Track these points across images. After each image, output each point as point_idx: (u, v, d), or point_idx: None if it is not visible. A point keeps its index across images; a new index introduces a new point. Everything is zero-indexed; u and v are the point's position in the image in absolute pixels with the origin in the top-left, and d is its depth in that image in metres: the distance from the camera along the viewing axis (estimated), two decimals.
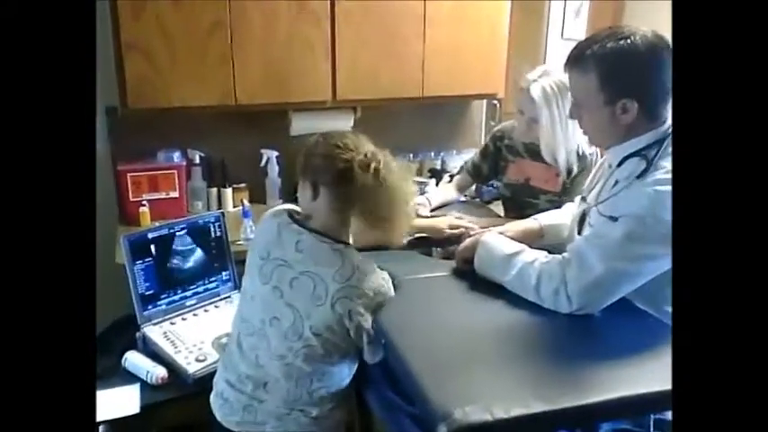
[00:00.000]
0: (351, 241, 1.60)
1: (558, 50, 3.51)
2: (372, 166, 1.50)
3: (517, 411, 1.08)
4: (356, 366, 1.64)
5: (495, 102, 3.23)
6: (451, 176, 2.62)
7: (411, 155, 3.26)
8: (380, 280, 1.53)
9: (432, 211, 2.16)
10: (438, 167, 3.27)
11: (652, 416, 1.31)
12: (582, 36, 3.13)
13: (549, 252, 1.53)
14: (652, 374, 1.18)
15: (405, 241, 1.86)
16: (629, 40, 1.36)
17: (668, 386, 1.11)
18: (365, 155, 1.51)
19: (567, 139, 1.95)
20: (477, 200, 2.53)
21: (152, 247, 2.06)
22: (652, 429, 1.34)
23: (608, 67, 1.37)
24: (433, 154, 3.31)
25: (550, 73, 1.93)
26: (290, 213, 1.63)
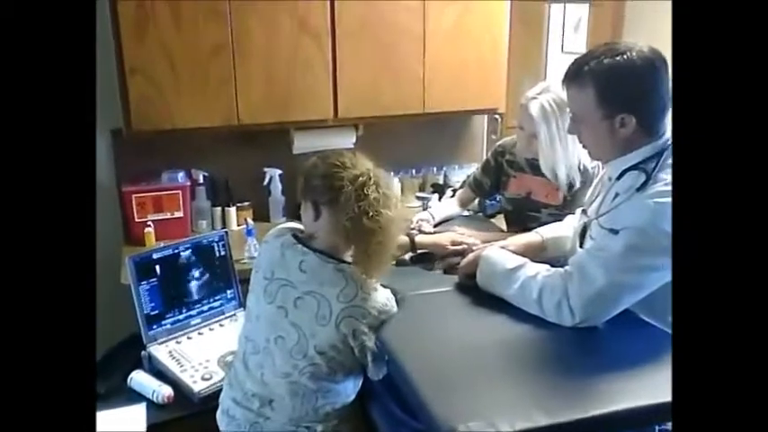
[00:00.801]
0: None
1: (558, 64, 3.53)
2: (370, 183, 1.51)
3: (521, 425, 1.09)
4: (361, 382, 1.64)
5: (497, 116, 3.25)
6: (454, 191, 2.63)
7: (413, 170, 3.29)
8: (384, 299, 1.54)
9: (435, 226, 2.17)
10: (441, 182, 3.28)
11: (657, 427, 1.31)
12: (582, 49, 3.16)
13: (552, 265, 1.54)
14: (656, 386, 1.18)
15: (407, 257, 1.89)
16: (625, 56, 1.37)
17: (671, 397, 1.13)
18: (362, 172, 1.52)
19: (567, 155, 1.96)
20: (480, 214, 2.53)
21: (157, 267, 2.08)
22: None
23: (605, 82, 1.39)
24: (435, 169, 3.32)
25: (550, 90, 1.96)
26: (294, 233, 1.64)
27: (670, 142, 1.43)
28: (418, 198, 2.99)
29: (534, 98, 1.96)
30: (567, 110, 1.83)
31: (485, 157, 2.38)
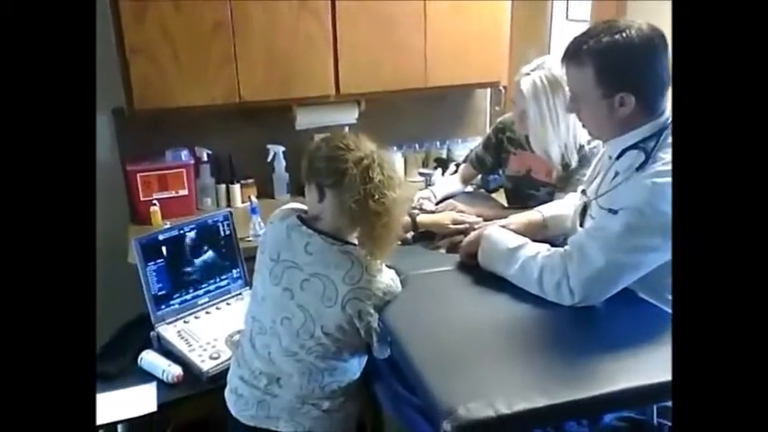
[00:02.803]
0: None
1: (563, 32, 3.48)
2: (374, 165, 1.51)
3: (520, 406, 1.11)
4: (365, 360, 1.67)
5: (501, 88, 3.23)
6: (457, 165, 2.63)
7: (416, 145, 3.28)
8: (389, 279, 1.56)
9: (437, 203, 2.18)
10: (444, 156, 3.28)
11: (655, 406, 1.33)
12: (587, 17, 3.12)
13: (552, 244, 1.56)
14: (656, 365, 1.20)
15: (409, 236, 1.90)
16: (624, 34, 1.36)
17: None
18: (366, 154, 1.53)
19: (559, 133, 1.93)
20: (483, 190, 2.54)
21: (163, 248, 2.10)
22: (655, 417, 1.37)
23: (604, 61, 1.38)
24: (438, 143, 3.32)
25: (544, 66, 1.93)
26: (299, 215, 1.65)
27: (670, 121, 1.43)
28: (421, 174, 2.99)
29: (527, 74, 1.94)
30: (561, 87, 1.84)
31: (487, 131, 2.38)
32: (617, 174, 1.47)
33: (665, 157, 1.39)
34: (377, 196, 1.49)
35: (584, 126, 1.55)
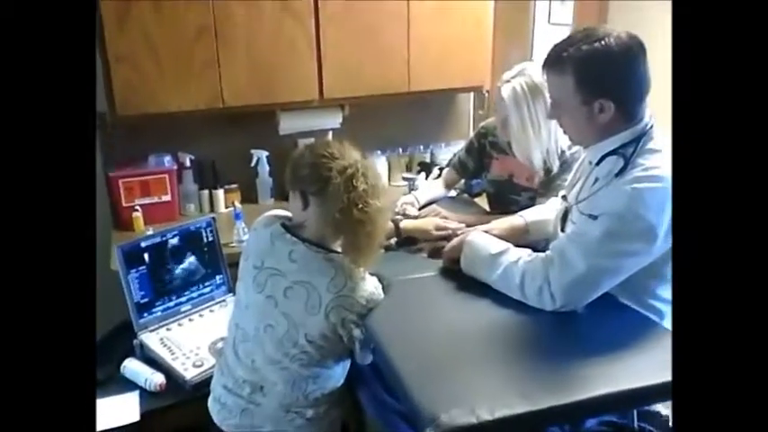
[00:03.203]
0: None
1: (545, 35, 3.51)
2: (358, 174, 1.51)
3: (502, 413, 1.12)
4: (348, 366, 1.67)
5: (486, 92, 3.24)
6: (441, 169, 2.64)
7: (400, 149, 3.29)
8: (372, 287, 1.56)
9: (420, 208, 2.18)
10: (428, 160, 3.28)
11: (635, 411, 1.35)
12: (569, 20, 3.14)
13: (535, 249, 1.57)
14: (637, 369, 1.22)
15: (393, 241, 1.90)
16: (603, 42, 1.38)
17: (653, 380, 1.16)
18: (350, 163, 1.53)
19: (540, 139, 1.95)
20: (466, 195, 2.55)
21: (145, 255, 2.09)
22: (636, 421, 1.38)
23: (584, 68, 1.40)
24: (422, 147, 3.33)
25: (524, 73, 1.94)
26: (283, 222, 1.65)
27: (649, 127, 1.45)
28: (405, 179, 3.00)
29: (507, 81, 1.95)
30: (542, 93, 1.86)
31: (470, 135, 2.39)
32: (597, 179, 1.49)
33: (644, 162, 1.41)
34: (360, 205, 1.50)
35: (564, 132, 1.56)
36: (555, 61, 1.44)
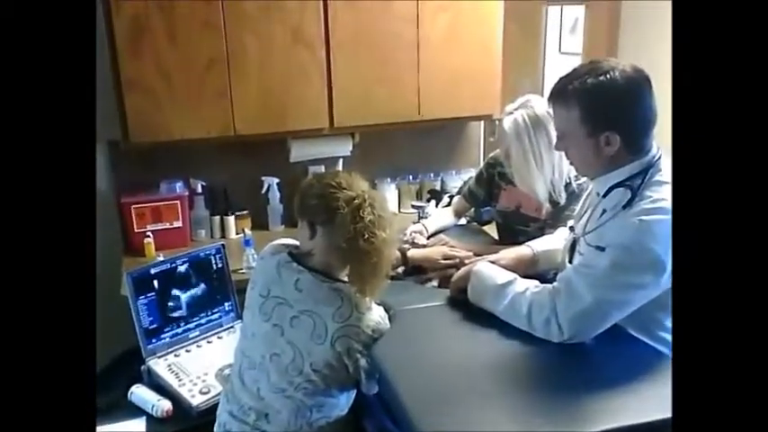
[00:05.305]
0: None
1: (556, 65, 3.53)
2: (365, 204, 1.52)
3: None
4: (354, 395, 1.67)
5: (496, 120, 3.25)
6: (450, 197, 2.65)
7: (410, 176, 3.30)
8: (378, 317, 1.56)
9: (429, 236, 2.19)
10: (438, 188, 3.29)
11: None
12: (579, 50, 3.17)
13: (543, 279, 1.56)
14: (646, 403, 1.21)
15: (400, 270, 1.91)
16: (608, 75, 1.39)
17: (662, 414, 1.14)
18: (357, 194, 1.54)
19: (543, 170, 1.95)
20: (474, 224, 2.55)
21: (155, 281, 2.10)
22: None
23: (589, 102, 1.41)
24: (432, 175, 3.34)
25: (527, 105, 1.95)
26: (290, 251, 1.66)
27: (656, 159, 1.45)
28: (414, 207, 3.01)
29: (510, 113, 1.97)
30: (545, 125, 1.87)
31: (482, 162, 2.39)
32: (604, 211, 1.49)
33: (652, 194, 1.41)
34: (367, 236, 1.50)
35: (571, 164, 1.57)
36: (560, 94, 1.46)
